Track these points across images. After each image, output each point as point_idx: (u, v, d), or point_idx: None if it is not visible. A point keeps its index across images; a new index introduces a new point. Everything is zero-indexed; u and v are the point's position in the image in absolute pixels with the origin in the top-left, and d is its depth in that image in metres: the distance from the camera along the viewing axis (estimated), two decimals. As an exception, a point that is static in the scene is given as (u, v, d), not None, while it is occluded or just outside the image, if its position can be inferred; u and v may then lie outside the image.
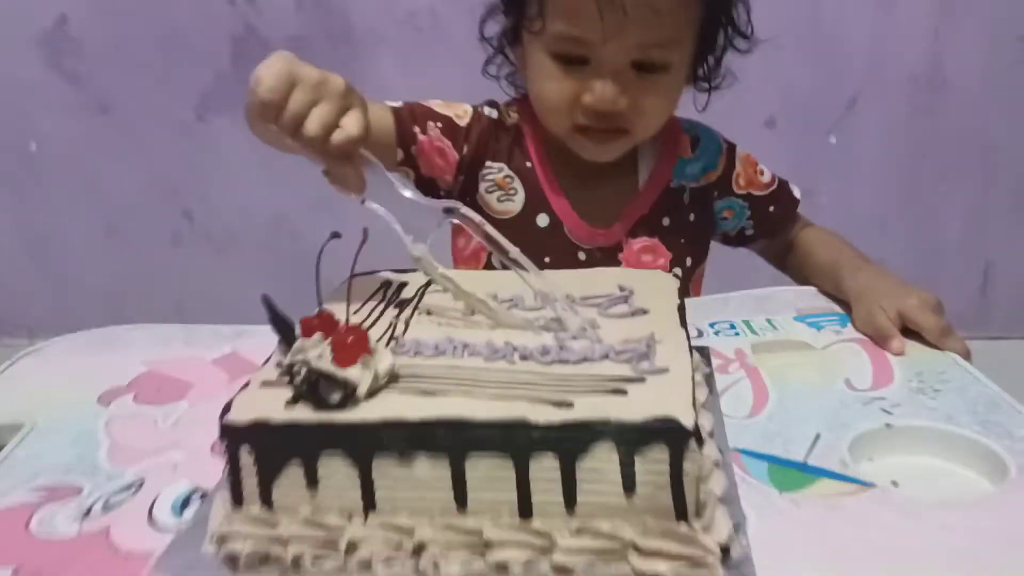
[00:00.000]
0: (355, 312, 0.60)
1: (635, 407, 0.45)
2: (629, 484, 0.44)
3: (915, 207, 1.83)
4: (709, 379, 0.65)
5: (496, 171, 0.86)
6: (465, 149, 0.85)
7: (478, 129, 0.86)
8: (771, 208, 0.92)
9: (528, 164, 0.86)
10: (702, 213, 0.90)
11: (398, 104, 0.84)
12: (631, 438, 0.44)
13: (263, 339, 0.63)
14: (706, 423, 0.53)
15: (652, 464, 0.44)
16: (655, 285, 0.64)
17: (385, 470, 0.45)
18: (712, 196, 0.90)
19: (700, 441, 0.45)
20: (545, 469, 0.45)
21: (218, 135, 1.80)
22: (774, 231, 0.94)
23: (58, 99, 1.75)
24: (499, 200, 0.86)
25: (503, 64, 0.88)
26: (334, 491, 0.46)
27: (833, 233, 0.94)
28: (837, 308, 0.82)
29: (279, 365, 0.52)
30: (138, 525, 0.51)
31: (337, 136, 0.56)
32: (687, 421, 0.44)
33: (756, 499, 0.52)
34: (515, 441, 0.45)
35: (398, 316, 0.60)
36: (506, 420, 0.45)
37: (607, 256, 0.87)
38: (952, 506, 0.51)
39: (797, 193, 0.94)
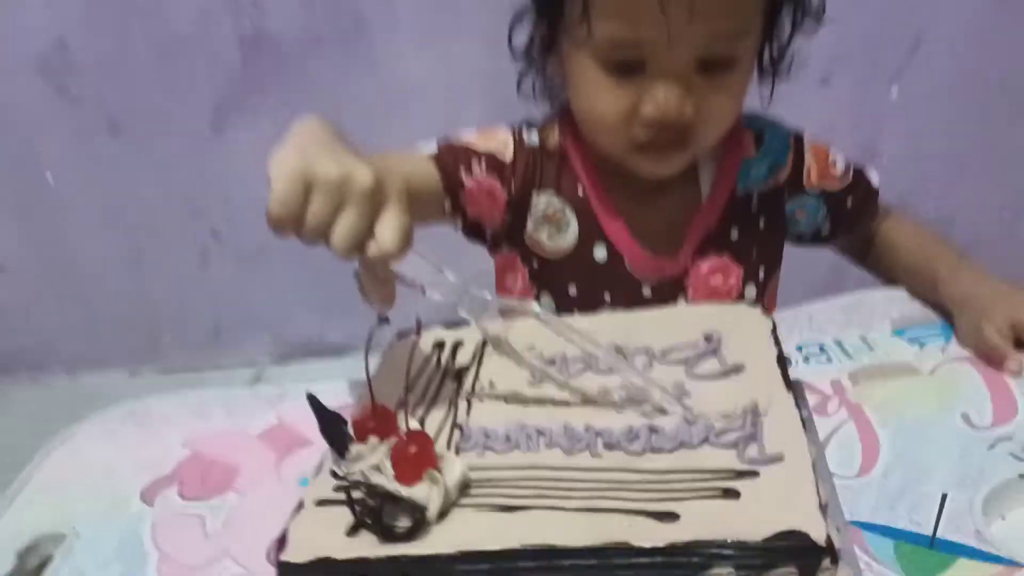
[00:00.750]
0: (410, 391, 0.53)
1: (753, 517, 0.39)
2: (753, 612, 0.38)
3: (989, 153, 1.69)
4: (808, 425, 0.58)
5: (544, 204, 0.77)
6: (513, 186, 0.76)
7: (523, 161, 0.76)
8: (849, 203, 0.82)
9: (580, 193, 0.77)
10: (772, 218, 0.80)
11: (434, 149, 0.74)
12: (754, 562, 0.37)
13: (305, 403, 0.57)
14: (821, 496, 0.47)
15: (779, 588, 0.37)
16: (744, 326, 0.56)
17: (466, 607, 0.39)
18: (783, 198, 0.80)
19: (835, 559, 0.38)
20: (652, 599, 0.38)
21: (236, 144, 1.73)
22: (852, 228, 0.84)
23: (67, 125, 1.70)
24: (549, 237, 0.77)
25: (535, 76, 0.77)
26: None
27: (921, 225, 0.84)
28: (936, 316, 0.73)
29: (333, 474, 0.46)
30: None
31: (372, 251, 0.48)
32: (819, 535, 0.38)
33: (890, 593, 0.45)
34: (616, 571, 0.38)
35: (458, 391, 0.54)
36: (601, 546, 0.39)
37: (674, 286, 0.77)
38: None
39: (876, 181, 0.84)
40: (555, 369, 0.55)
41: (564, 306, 0.78)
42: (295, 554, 0.41)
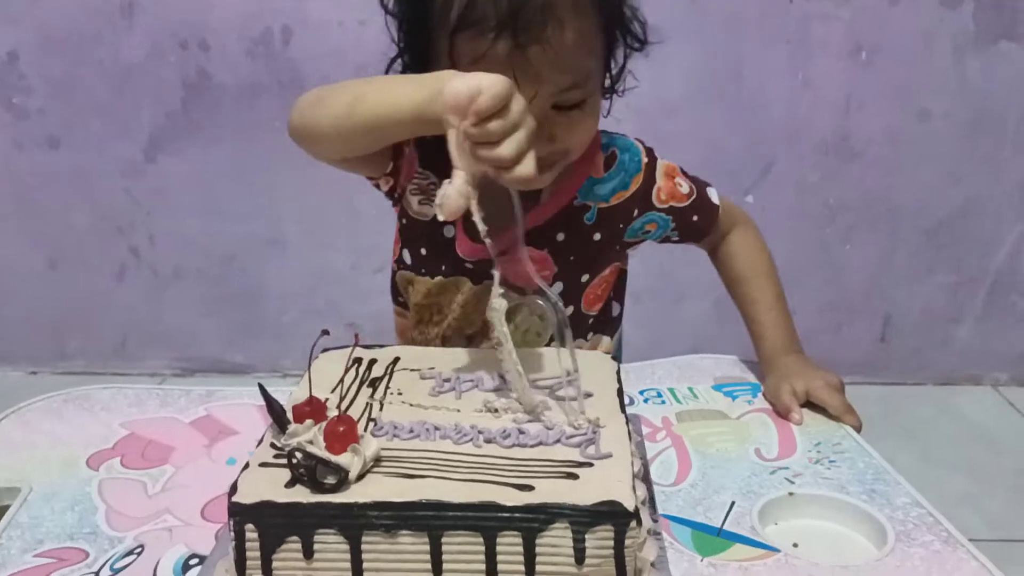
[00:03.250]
0: (333, 391, 0.67)
1: (586, 491, 0.54)
2: (580, 557, 0.53)
3: (823, 263, 1.98)
4: (640, 447, 0.75)
5: (422, 177, 0.90)
6: (418, 155, 0.90)
7: (422, 146, 0.90)
8: (694, 217, 0.95)
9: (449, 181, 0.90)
10: (609, 232, 0.92)
11: None
12: (583, 519, 0.53)
13: (232, 400, 0.70)
14: (640, 493, 0.63)
15: (599, 540, 0.53)
16: (597, 368, 0.73)
17: (373, 545, 0.53)
18: (631, 215, 0.92)
19: (640, 522, 0.54)
20: (510, 544, 0.53)
21: (166, 174, 1.85)
22: (699, 237, 0.98)
23: (7, 134, 1.77)
24: (419, 203, 0.91)
25: None
26: (328, 563, 0.53)
27: (760, 255, 0.99)
28: (751, 378, 0.92)
29: (273, 446, 0.59)
30: (144, 589, 0.57)
31: (520, 170, 0.62)
32: (629, 505, 0.53)
33: (682, 564, 0.61)
34: (485, 521, 0.53)
35: (372, 396, 0.68)
36: (478, 503, 0.53)
37: (491, 261, 0.87)
38: (847, 568, 0.61)
39: (716, 198, 0.97)
40: (449, 385, 0.70)
41: (413, 255, 0.93)
42: (244, 497, 0.54)
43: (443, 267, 0.91)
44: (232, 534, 0.54)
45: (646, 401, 0.87)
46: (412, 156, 0.90)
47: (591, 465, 0.58)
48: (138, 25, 1.76)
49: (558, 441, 0.61)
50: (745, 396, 0.88)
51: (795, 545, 0.65)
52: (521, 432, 0.62)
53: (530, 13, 0.73)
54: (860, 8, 1.80)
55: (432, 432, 0.62)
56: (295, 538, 0.54)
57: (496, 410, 0.65)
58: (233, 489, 0.55)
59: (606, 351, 1.01)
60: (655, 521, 0.65)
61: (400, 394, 0.69)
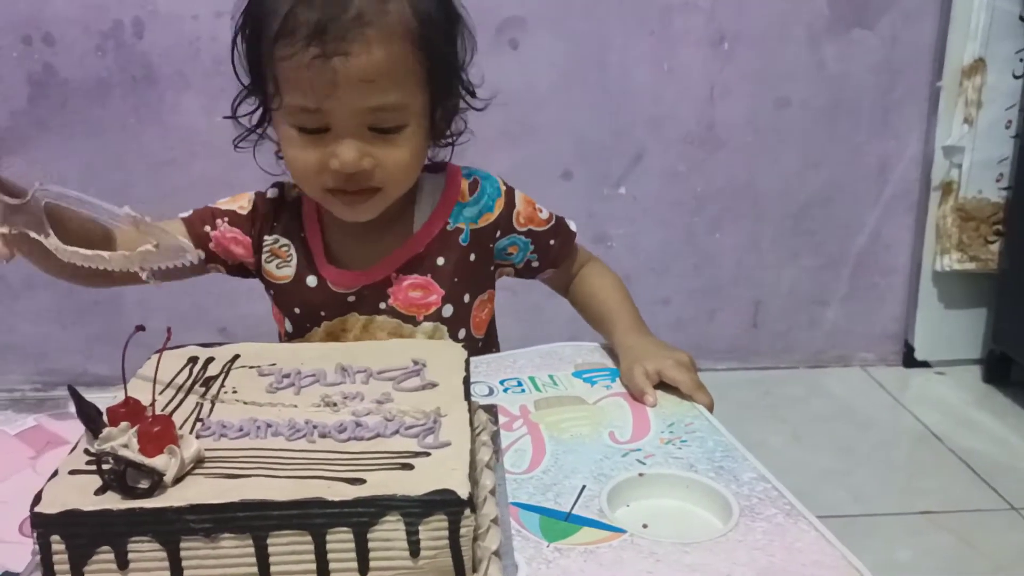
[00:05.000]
0: (161, 392, 0.64)
1: (419, 481, 0.53)
2: (415, 549, 0.51)
3: (694, 251, 2.03)
4: (495, 437, 0.74)
5: (272, 242, 0.96)
6: (252, 232, 0.96)
7: (261, 211, 0.96)
8: (552, 241, 1.01)
9: (302, 234, 0.96)
10: (482, 252, 0.98)
11: (188, 213, 0.95)
12: (415, 510, 0.51)
13: (66, 410, 0.66)
14: (488, 483, 0.62)
15: (433, 531, 0.51)
16: (445, 357, 0.71)
17: (193, 551, 0.50)
18: (495, 235, 0.98)
19: (474, 508, 0.52)
20: (340, 541, 0.51)
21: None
22: (557, 262, 1.03)
23: None
24: (277, 267, 0.96)
25: (264, 140, 0.94)
26: (145, 572, 0.50)
27: (611, 277, 1.04)
28: (611, 363, 0.92)
29: (87, 452, 0.55)
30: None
31: None
32: (463, 493, 0.52)
33: (528, 550, 0.60)
34: (312, 518, 0.51)
35: (204, 395, 0.65)
36: (303, 499, 0.51)
37: (375, 293, 0.95)
38: (689, 545, 0.61)
39: (573, 227, 1.04)
40: (289, 381, 0.67)
41: (294, 321, 0.96)
42: (47, 507, 0.50)
43: (322, 314, 0.96)
44: (39, 546, 0.50)
45: (506, 391, 0.85)
46: (233, 234, 0.95)
47: (428, 455, 0.56)
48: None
49: (396, 432, 0.59)
50: (604, 381, 0.88)
51: (644, 526, 0.64)
52: (358, 425, 0.60)
53: (339, 26, 0.79)
54: (719, -1, 1.85)
55: (264, 430, 0.59)
56: (107, 548, 0.50)
57: (335, 404, 0.63)
58: (37, 499, 0.51)
59: None
60: (499, 507, 0.63)
61: (235, 392, 0.65)
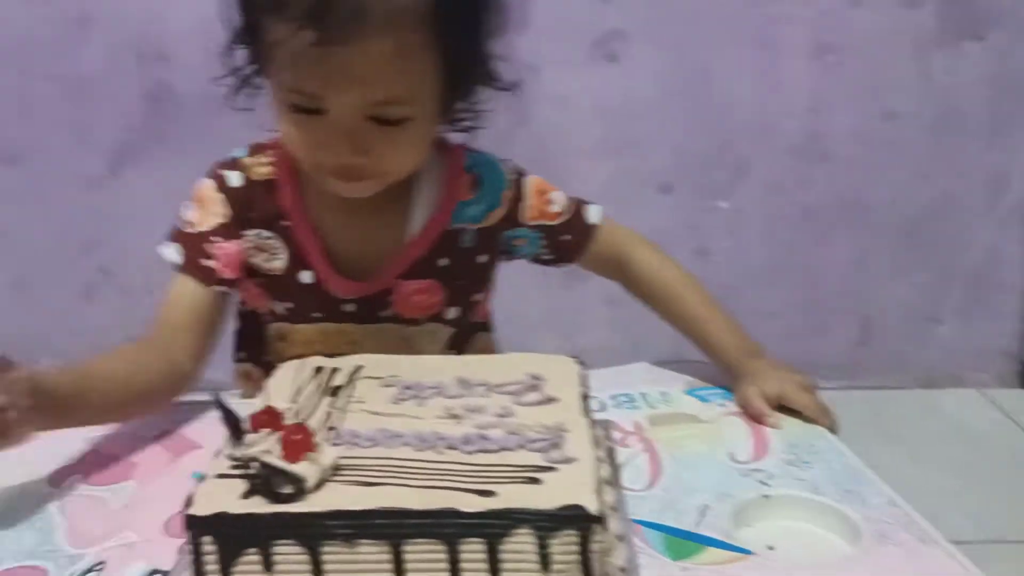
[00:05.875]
0: (293, 400, 0.66)
1: (549, 496, 0.53)
2: (545, 563, 0.52)
3: (800, 265, 1.98)
4: (611, 453, 0.74)
5: (253, 236, 0.87)
6: (235, 231, 0.87)
7: (234, 208, 0.87)
8: (565, 236, 0.93)
9: (285, 223, 0.86)
10: (488, 250, 0.91)
11: (176, 258, 0.87)
12: (546, 524, 0.52)
13: (198, 415, 0.69)
14: (610, 499, 0.62)
15: (564, 545, 0.52)
16: (562, 372, 0.72)
17: (333, 555, 0.52)
18: (501, 232, 0.91)
19: (604, 524, 0.53)
20: (472, 551, 0.52)
21: (132, 188, 1.82)
22: (572, 257, 0.95)
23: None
24: (265, 261, 0.88)
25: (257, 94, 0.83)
26: (288, 575, 0.52)
27: (676, 272, 0.94)
28: (722, 382, 0.91)
29: (231, 457, 0.58)
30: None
31: None
32: (593, 508, 0.52)
33: (654, 568, 0.60)
34: (446, 528, 0.52)
35: (333, 404, 0.67)
36: (437, 509, 0.52)
37: (377, 302, 0.88)
38: (817, 567, 0.61)
39: (595, 218, 0.94)
40: (411, 393, 0.69)
41: (287, 309, 0.90)
42: (199, 509, 0.53)
43: (315, 315, 0.89)
44: (190, 547, 0.53)
45: (617, 407, 0.85)
46: (227, 246, 0.87)
47: (555, 470, 0.57)
48: (94, 36, 1.73)
49: (522, 447, 0.60)
50: (717, 400, 0.87)
51: (770, 548, 0.64)
52: (484, 438, 0.61)
53: (338, 11, 0.68)
54: (822, 11, 1.81)
55: (393, 440, 0.61)
56: (254, 549, 0.52)
57: (458, 416, 0.64)
58: (189, 502, 0.54)
59: (489, 347, 1.01)
60: (623, 524, 0.63)
61: (362, 402, 0.67)
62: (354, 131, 0.74)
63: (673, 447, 0.77)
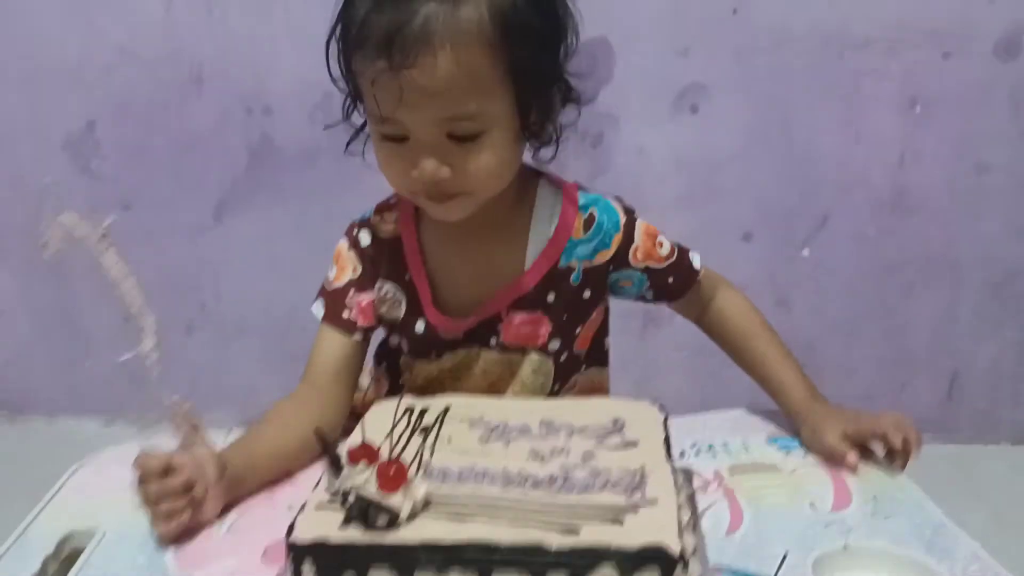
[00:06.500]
0: (385, 438, 0.69)
1: (631, 535, 0.55)
2: (626, 600, 0.54)
3: (884, 319, 1.95)
4: (692, 499, 0.75)
5: (383, 290, 0.95)
6: (370, 284, 0.96)
7: (366, 266, 0.95)
8: (670, 279, 0.96)
9: (407, 276, 0.94)
10: (595, 288, 0.95)
11: (321, 312, 0.94)
12: (629, 563, 0.54)
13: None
14: (690, 543, 0.63)
15: (646, 583, 0.54)
16: (644, 417, 0.74)
17: (424, 583, 0.55)
18: (608, 270, 0.94)
19: (685, 565, 0.54)
20: (558, 585, 0.54)
21: (234, 235, 1.92)
22: (674, 297, 0.98)
23: (83, 198, 1.87)
24: (388, 310, 0.96)
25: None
26: (380, 601, 0.55)
27: (755, 317, 0.98)
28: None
29: (329, 489, 0.61)
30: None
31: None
32: (674, 549, 0.54)
33: (732, 613, 0.61)
34: (533, 562, 0.54)
35: (423, 443, 0.70)
36: (525, 544, 0.55)
37: (486, 330, 0.94)
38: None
39: (697, 263, 0.98)
40: (497, 433, 0.71)
41: (407, 351, 0.98)
42: (301, 537, 0.56)
43: (432, 353, 0.97)
44: (291, 571, 0.56)
45: (697, 455, 0.86)
46: (363, 298, 0.94)
47: (636, 511, 0.59)
48: (207, 93, 1.85)
49: (604, 487, 0.62)
50: (798, 451, 0.87)
51: (851, 598, 0.64)
52: (567, 478, 0.63)
53: (405, 38, 0.75)
54: (913, 62, 1.80)
55: (480, 477, 0.63)
56: (351, 574, 0.55)
57: (543, 457, 0.67)
58: (291, 529, 0.57)
59: (601, 382, 1.04)
60: (704, 569, 0.64)
61: (450, 442, 0.70)
62: (435, 147, 0.80)
63: (753, 496, 0.78)
